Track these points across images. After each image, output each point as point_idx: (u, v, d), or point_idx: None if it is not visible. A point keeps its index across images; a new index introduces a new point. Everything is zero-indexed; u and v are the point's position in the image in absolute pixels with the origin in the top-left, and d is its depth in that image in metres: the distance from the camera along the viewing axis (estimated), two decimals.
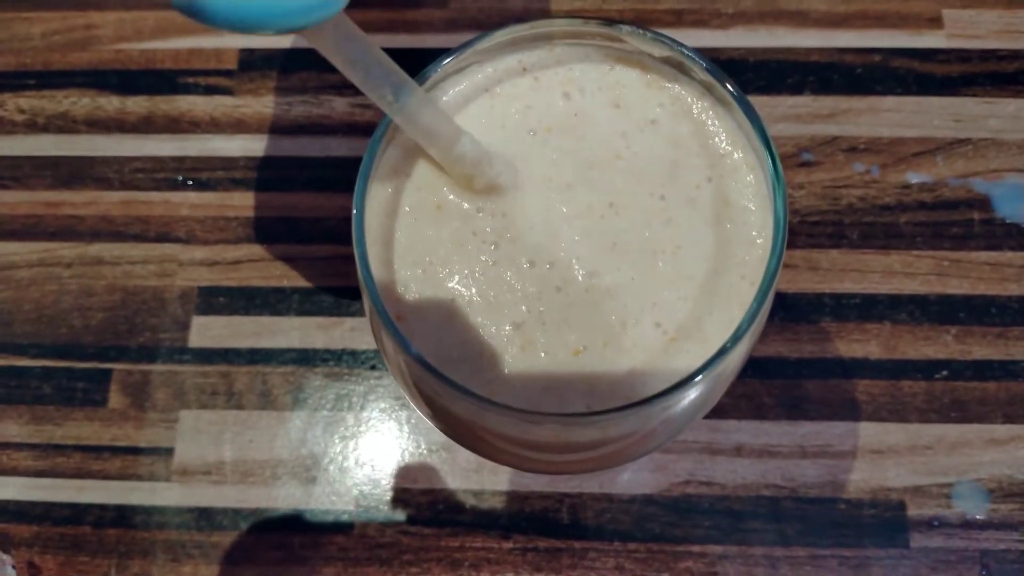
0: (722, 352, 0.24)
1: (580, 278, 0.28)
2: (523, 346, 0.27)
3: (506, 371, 0.26)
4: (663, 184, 0.28)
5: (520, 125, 0.30)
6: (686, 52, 0.28)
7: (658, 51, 0.28)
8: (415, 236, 0.29)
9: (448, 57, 0.29)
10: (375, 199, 0.29)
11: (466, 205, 0.29)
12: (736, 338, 0.24)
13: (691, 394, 0.24)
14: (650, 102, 0.30)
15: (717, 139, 0.29)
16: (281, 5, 0.21)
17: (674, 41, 0.27)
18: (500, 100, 0.30)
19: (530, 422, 0.24)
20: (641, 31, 0.27)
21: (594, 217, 0.28)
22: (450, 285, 0.28)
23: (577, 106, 0.30)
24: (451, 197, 0.29)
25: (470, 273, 0.28)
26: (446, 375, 0.24)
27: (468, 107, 0.30)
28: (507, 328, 0.27)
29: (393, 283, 0.28)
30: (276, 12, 0.21)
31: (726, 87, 0.28)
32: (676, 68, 0.29)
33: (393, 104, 0.27)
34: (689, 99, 0.30)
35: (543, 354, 0.27)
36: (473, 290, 0.28)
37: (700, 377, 0.23)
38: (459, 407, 0.25)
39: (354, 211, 0.27)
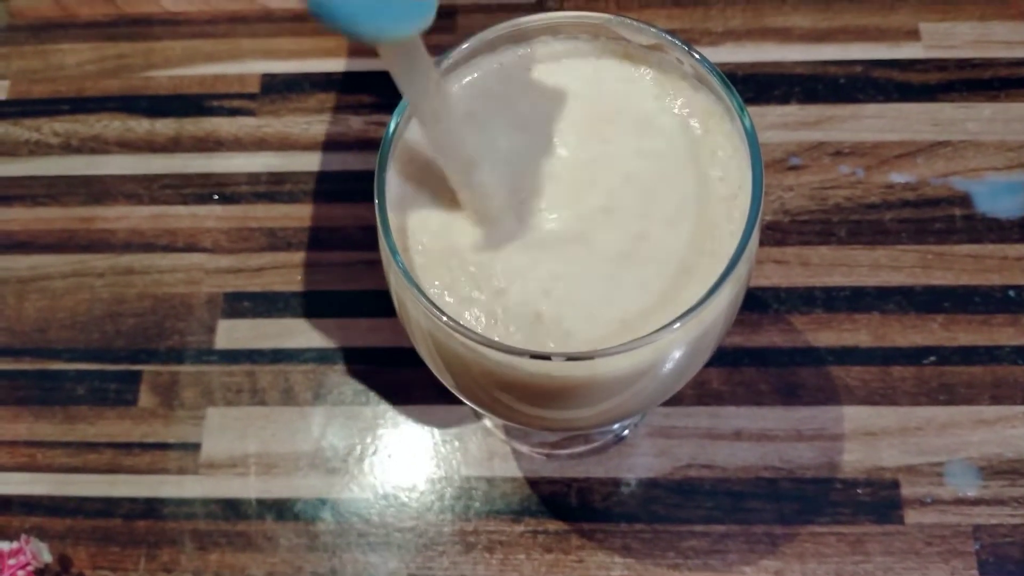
0: (715, 288, 0.27)
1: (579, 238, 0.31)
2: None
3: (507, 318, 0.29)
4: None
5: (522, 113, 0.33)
6: (667, 38, 0.31)
7: (644, 39, 0.32)
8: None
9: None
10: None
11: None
12: (724, 275, 0.27)
13: (690, 330, 0.27)
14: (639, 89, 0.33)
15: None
16: (384, 20, 0.25)
17: (658, 29, 0.31)
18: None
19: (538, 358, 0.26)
20: (628, 20, 0.31)
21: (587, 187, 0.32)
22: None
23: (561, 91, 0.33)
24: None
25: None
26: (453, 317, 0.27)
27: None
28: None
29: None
30: (381, 24, 0.25)
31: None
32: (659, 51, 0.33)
33: (435, 125, 0.30)
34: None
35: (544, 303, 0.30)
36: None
37: (695, 312, 0.26)
38: (464, 350, 0.28)
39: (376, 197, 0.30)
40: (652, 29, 0.32)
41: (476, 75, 0.34)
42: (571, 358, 0.27)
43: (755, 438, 0.46)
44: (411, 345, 0.35)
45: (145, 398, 0.49)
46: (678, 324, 0.27)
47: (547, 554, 0.44)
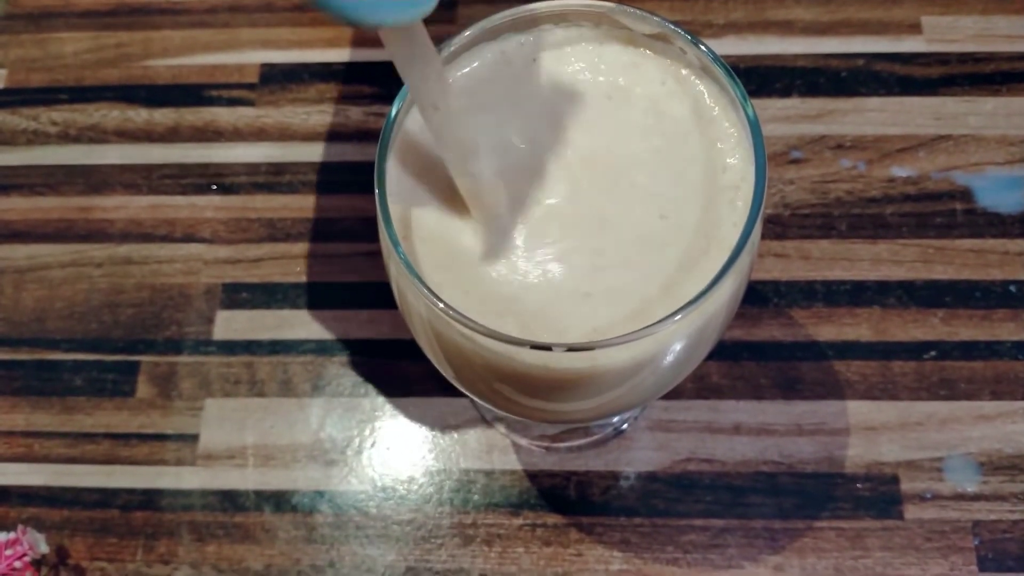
0: (717, 279, 0.26)
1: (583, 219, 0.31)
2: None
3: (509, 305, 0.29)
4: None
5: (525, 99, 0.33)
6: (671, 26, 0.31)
7: (647, 28, 0.32)
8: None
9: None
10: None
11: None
12: (726, 266, 0.26)
13: (695, 318, 0.27)
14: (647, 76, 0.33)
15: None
16: (385, 5, 0.25)
17: (661, 18, 0.31)
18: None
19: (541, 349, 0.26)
20: (631, 9, 0.31)
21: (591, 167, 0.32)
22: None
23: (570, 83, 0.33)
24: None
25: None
26: (455, 308, 0.27)
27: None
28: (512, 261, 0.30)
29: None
30: (382, 10, 0.25)
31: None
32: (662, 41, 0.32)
33: (434, 112, 0.29)
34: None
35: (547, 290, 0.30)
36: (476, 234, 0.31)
37: (703, 298, 0.26)
38: (464, 340, 0.28)
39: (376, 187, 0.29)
40: (655, 18, 0.32)
41: (478, 63, 0.34)
42: (571, 348, 0.26)
43: (755, 432, 0.46)
44: (410, 337, 0.35)
45: (143, 389, 0.48)
46: (679, 316, 0.27)
47: (546, 547, 0.44)
